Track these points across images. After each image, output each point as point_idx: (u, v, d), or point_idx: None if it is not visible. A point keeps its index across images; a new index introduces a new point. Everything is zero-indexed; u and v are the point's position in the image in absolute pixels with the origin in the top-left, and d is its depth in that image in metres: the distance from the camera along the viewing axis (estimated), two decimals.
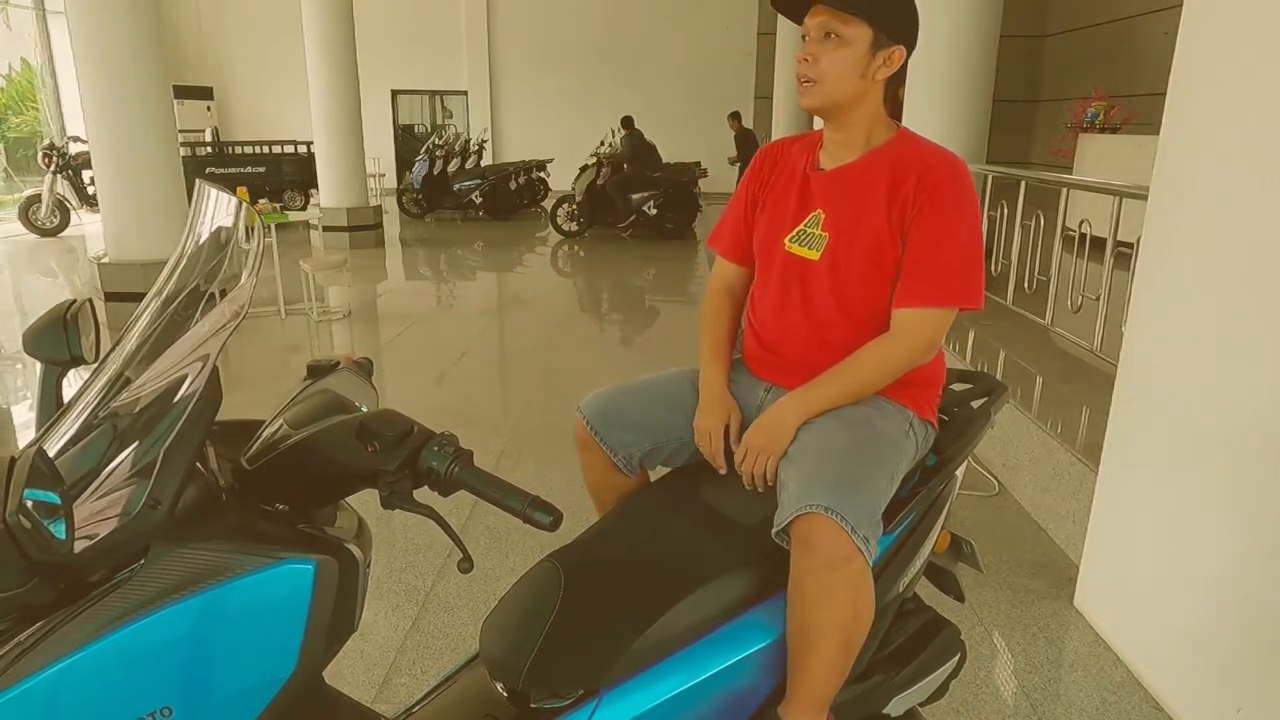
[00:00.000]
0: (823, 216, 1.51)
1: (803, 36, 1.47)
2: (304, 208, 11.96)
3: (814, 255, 1.51)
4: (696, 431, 1.53)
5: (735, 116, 13.67)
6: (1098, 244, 4.00)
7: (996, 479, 3.43)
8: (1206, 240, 2.05)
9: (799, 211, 1.55)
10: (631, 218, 10.64)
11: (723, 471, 1.50)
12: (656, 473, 1.65)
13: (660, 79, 16.64)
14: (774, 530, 1.30)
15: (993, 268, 5.38)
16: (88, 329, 1.10)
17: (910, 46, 1.46)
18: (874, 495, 1.31)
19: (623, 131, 11.04)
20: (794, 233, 1.54)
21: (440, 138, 12.94)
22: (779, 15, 1.64)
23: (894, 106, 1.52)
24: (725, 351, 1.65)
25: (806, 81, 1.46)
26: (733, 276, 1.71)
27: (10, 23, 15.84)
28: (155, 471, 0.86)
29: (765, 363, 1.60)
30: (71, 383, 1.10)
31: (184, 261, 1.08)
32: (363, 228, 10.80)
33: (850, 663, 1.33)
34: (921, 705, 1.66)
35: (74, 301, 1.12)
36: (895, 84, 1.49)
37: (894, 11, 1.44)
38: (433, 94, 17.87)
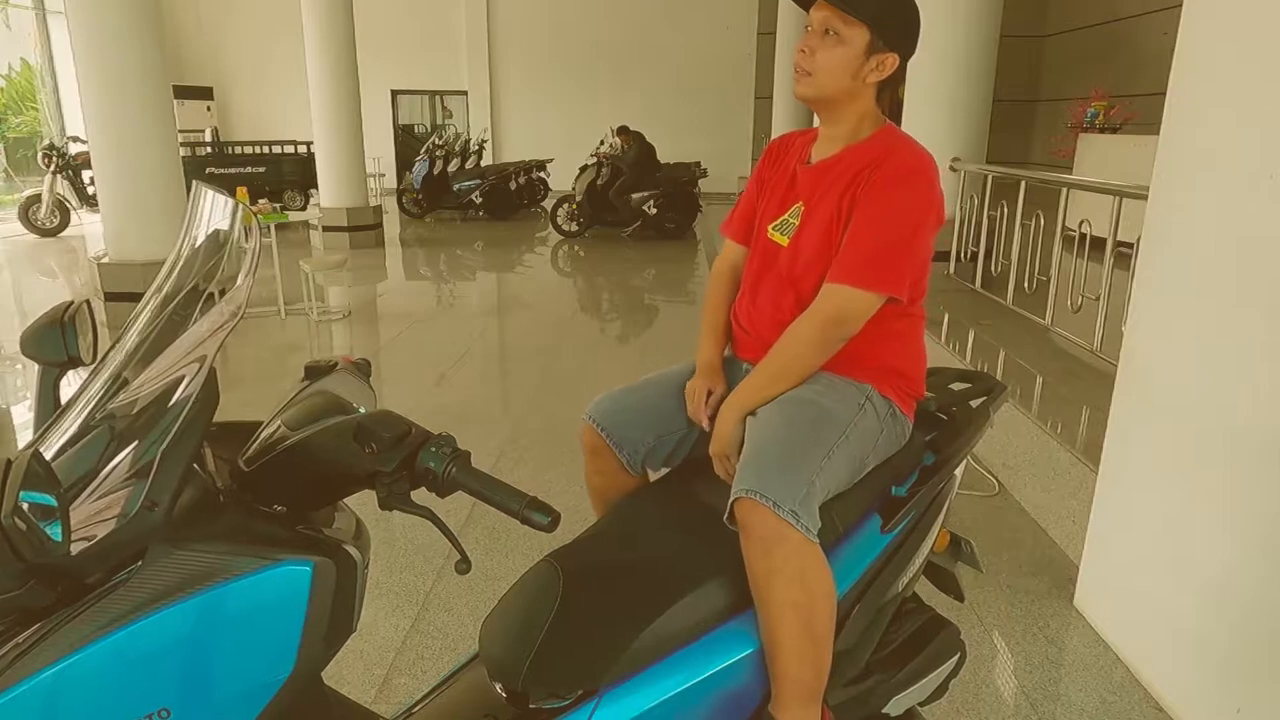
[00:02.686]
0: (802, 208, 1.57)
1: (806, 27, 1.52)
2: (304, 208, 11.95)
3: (784, 241, 1.58)
4: (685, 391, 1.59)
5: None
6: (1098, 244, 4.01)
7: (996, 479, 3.42)
8: (1206, 240, 2.05)
9: (784, 202, 1.61)
10: (637, 223, 10.65)
11: (707, 429, 1.54)
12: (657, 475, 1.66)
13: (660, 79, 16.62)
14: (726, 520, 1.32)
15: (993, 267, 5.38)
16: (85, 330, 1.10)
17: (905, 56, 1.50)
18: (802, 471, 1.32)
19: (616, 138, 11.01)
20: (777, 221, 1.61)
21: (440, 138, 12.92)
22: (779, 14, 1.66)
23: (893, 107, 1.54)
24: (724, 328, 1.70)
25: (801, 72, 1.51)
26: (738, 257, 1.75)
27: (10, 23, 15.85)
28: (152, 473, 0.85)
29: (743, 343, 1.66)
30: (69, 384, 1.10)
31: (181, 263, 1.08)
32: (363, 228, 10.77)
33: (823, 649, 1.33)
34: (921, 705, 1.66)
35: (71, 303, 1.12)
36: (893, 84, 1.52)
37: (895, 19, 1.47)
38: (433, 94, 17.85)
